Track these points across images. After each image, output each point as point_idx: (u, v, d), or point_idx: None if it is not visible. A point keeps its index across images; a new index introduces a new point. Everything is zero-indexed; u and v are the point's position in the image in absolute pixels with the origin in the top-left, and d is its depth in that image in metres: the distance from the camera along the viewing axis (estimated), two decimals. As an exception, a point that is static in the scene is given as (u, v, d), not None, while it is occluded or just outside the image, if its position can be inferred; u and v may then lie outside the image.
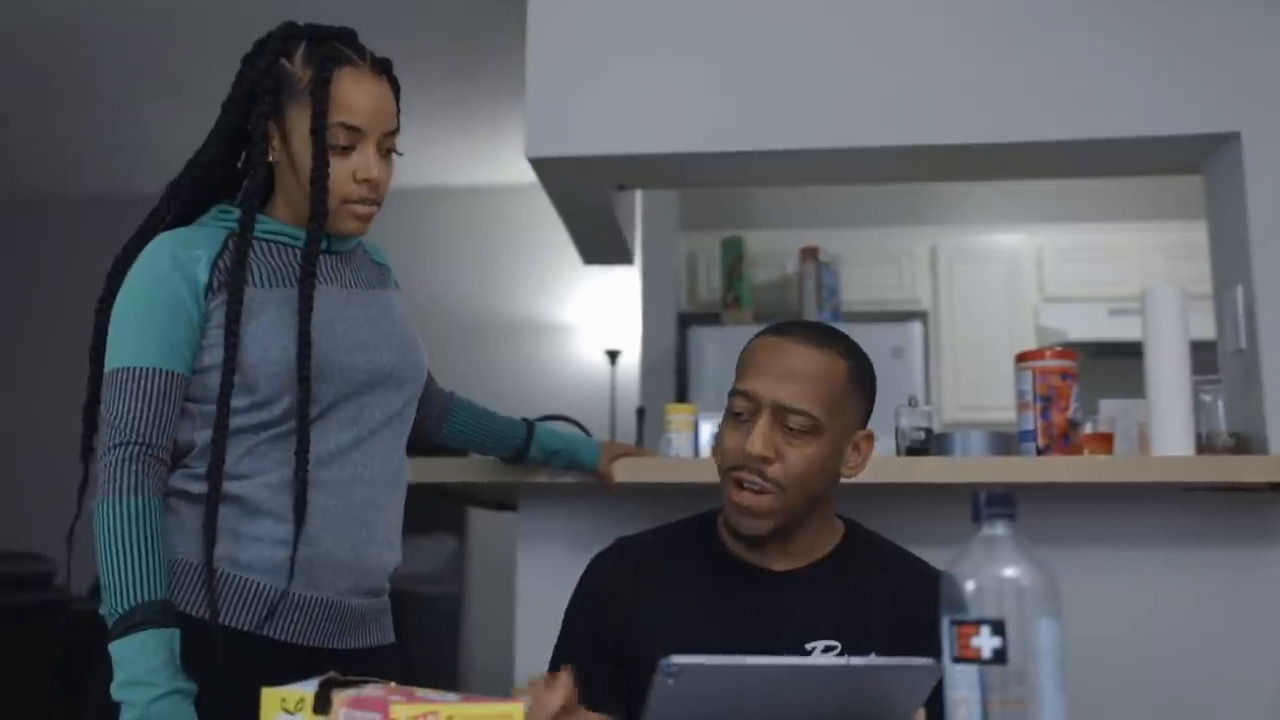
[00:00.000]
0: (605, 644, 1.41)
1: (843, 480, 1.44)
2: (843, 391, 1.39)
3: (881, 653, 1.34)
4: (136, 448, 1.38)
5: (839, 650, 1.36)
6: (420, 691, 0.92)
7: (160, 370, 1.41)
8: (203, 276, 1.43)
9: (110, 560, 1.35)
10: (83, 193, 6.17)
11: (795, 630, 1.37)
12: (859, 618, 1.39)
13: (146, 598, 1.34)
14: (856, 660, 1.00)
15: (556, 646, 1.47)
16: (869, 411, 1.45)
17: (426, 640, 4.63)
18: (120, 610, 1.33)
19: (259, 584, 1.42)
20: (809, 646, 1.36)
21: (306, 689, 0.93)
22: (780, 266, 4.94)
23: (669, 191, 4.51)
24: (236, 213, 1.49)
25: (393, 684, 0.95)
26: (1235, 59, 2.35)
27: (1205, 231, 2.50)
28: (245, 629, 1.41)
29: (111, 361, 1.42)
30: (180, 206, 1.53)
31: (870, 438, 1.45)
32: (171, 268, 1.43)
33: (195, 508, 1.43)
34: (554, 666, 1.41)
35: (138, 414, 1.39)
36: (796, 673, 0.92)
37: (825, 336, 1.41)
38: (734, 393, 1.39)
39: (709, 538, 1.47)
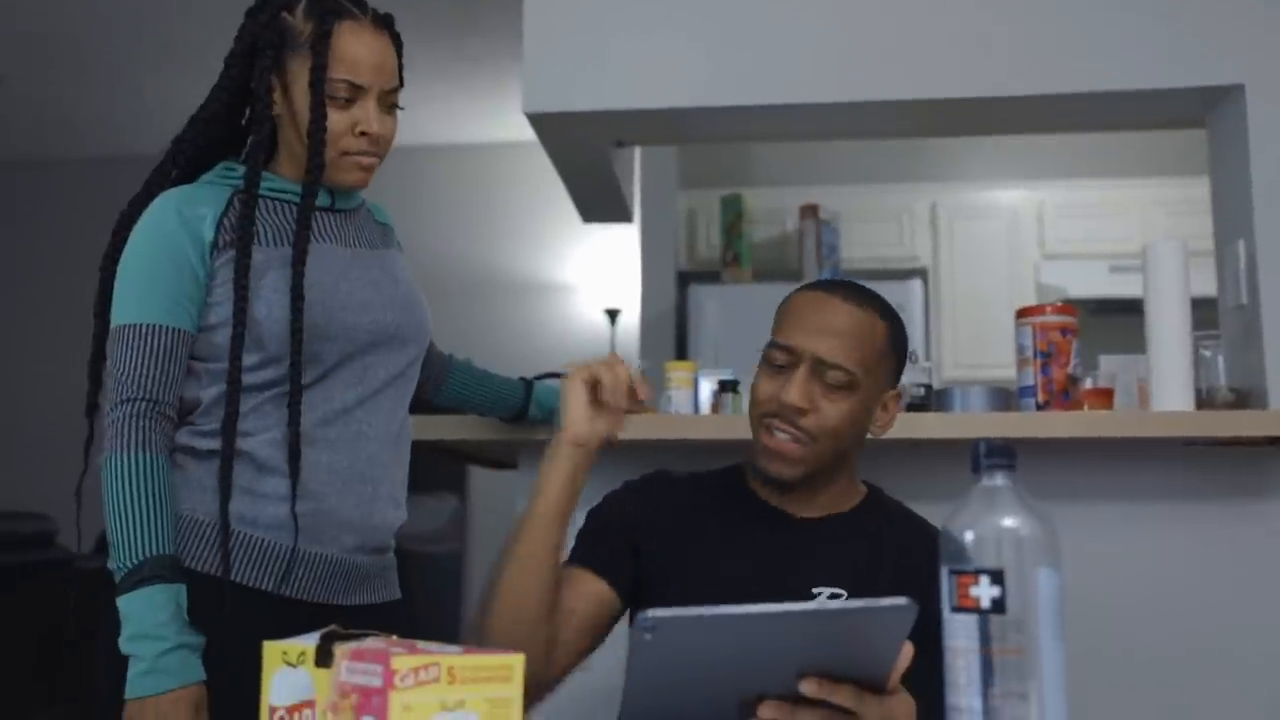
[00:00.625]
0: (625, 532, 1.44)
1: (872, 435, 1.47)
2: (879, 351, 1.41)
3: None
4: (144, 404, 1.39)
5: (844, 597, 1.38)
6: (421, 644, 0.92)
7: (166, 327, 1.41)
8: (208, 234, 1.43)
9: (118, 515, 1.35)
10: (81, 154, 6.14)
11: (807, 574, 1.40)
12: (871, 570, 1.41)
13: (154, 552, 1.34)
14: (831, 604, 1.00)
15: (579, 533, 1.47)
16: (900, 373, 1.47)
17: (429, 597, 4.67)
18: (128, 565, 1.34)
19: (269, 541, 1.43)
20: (816, 591, 1.38)
21: (308, 642, 0.93)
22: (780, 224, 4.93)
23: (668, 149, 4.49)
24: (241, 170, 1.49)
25: (394, 637, 0.96)
26: (1238, 11, 2.33)
27: (1207, 187, 2.48)
28: (258, 587, 1.42)
29: (117, 318, 1.43)
30: (184, 163, 1.52)
31: (898, 397, 1.47)
32: (177, 225, 1.43)
33: (202, 464, 1.43)
34: (578, 537, 1.45)
35: (144, 370, 1.40)
36: (775, 620, 0.92)
37: (866, 296, 1.43)
38: (772, 344, 1.42)
39: (738, 483, 1.51)
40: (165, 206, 1.45)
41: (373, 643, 0.91)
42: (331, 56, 1.44)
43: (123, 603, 1.33)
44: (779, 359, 1.40)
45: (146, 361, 1.40)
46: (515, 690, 0.87)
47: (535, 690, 1.32)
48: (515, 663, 0.88)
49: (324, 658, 0.90)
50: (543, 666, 1.31)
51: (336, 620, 1.13)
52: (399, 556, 1.63)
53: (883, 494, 1.54)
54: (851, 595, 1.38)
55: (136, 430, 1.38)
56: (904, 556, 1.43)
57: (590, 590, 1.40)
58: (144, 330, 1.40)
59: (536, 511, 1.30)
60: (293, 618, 1.31)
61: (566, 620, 1.36)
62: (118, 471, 1.36)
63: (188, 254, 1.42)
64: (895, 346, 1.44)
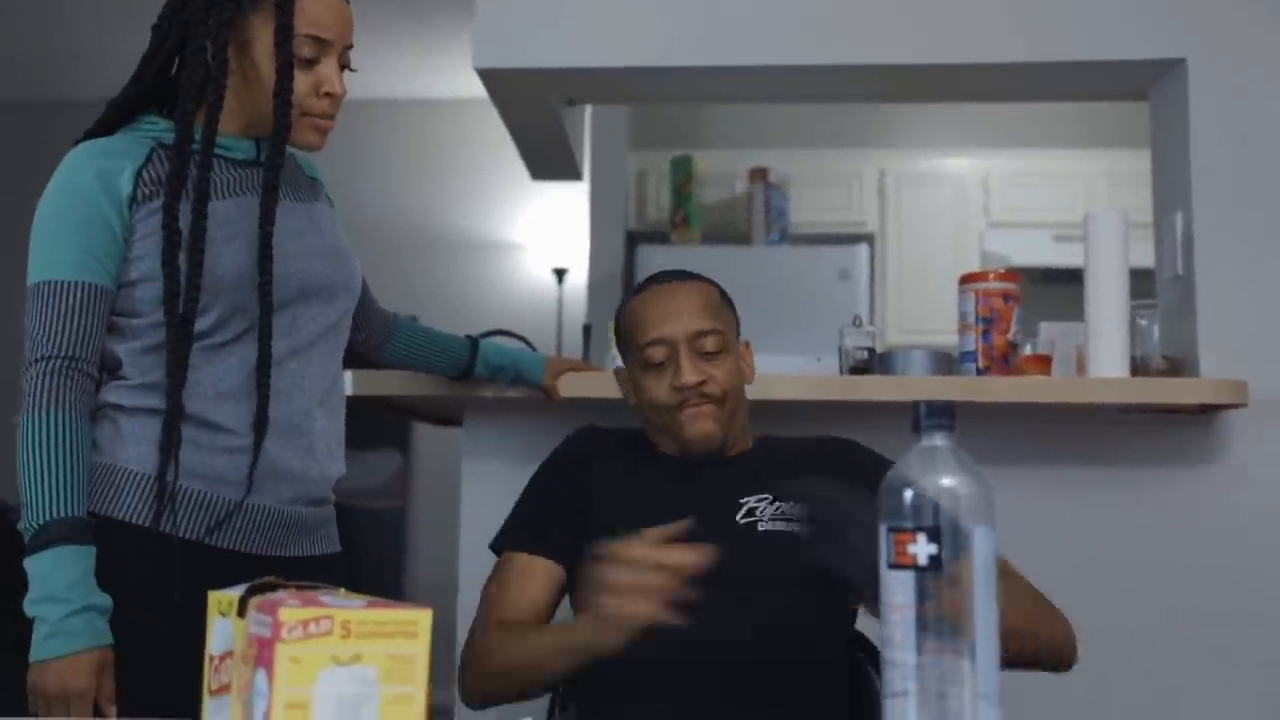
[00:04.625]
0: (569, 498, 1.55)
1: (747, 383, 1.61)
2: (721, 308, 1.60)
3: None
4: (59, 361, 1.36)
5: (770, 499, 1.52)
6: (326, 596, 0.91)
7: (82, 283, 1.38)
8: (126, 188, 1.40)
9: (30, 475, 1.33)
10: (14, 97, 5.97)
11: (730, 490, 1.54)
12: (787, 476, 1.49)
13: (63, 514, 1.33)
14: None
15: (518, 504, 1.60)
16: (738, 325, 1.65)
17: (372, 553, 4.66)
18: (36, 525, 1.32)
19: (206, 494, 1.42)
20: (742, 501, 1.52)
21: (236, 592, 0.93)
22: (729, 187, 4.93)
23: (619, 108, 4.46)
24: (163, 123, 1.45)
25: (317, 589, 0.95)
26: (1185, -15, 2.36)
27: (1149, 160, 2.52)
28: (192, 539, 1.41)
29: (32, 275, 1.39)
30: (108, 114, 1.48)
31: (749, 345, 1.65)
32: (93, 179, 1.39)
33: (134, 419, 1.41)
34: (515, 523, 1.57)
35: (59, 328, 1.37)
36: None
37: (686, 273, 1.61)
38: (646, 345, 1.54)
39: (644, 444, 1.64)
40: (79, 160, 1.41)
41: (280, 594, 0.90)
42: (297, 14, 1.41)
43: (29, 564, 1.32)
44: (657, 356, 1.53)
45: (62, 318, 1.37)
46: (419, 646, 0.85)
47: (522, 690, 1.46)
48: (420, 618, 0.86)
49: (244, 608, 0.90)
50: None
51: (278, 572, 1.13)
52: (342, 512, 1.63)
53: (771, 436, 1.67)
54: (776, 496, 1.52)
55: (51, 389, 1.35)
56: (813, 461, 1.56)
57: (549, 577, 1.52)
58: (59, 287, 1.37)
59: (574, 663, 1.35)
60: (235, 570, 1.30)
61: (539, 615, 1.49)
62: (31, 431, 1.34)
63: (103, 208, 1.39)
64: (728, 301, 1.63)
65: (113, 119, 1.48)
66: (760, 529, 1.50)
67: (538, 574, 1.51)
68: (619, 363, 2.28)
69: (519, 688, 1.44)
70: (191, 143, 1.42)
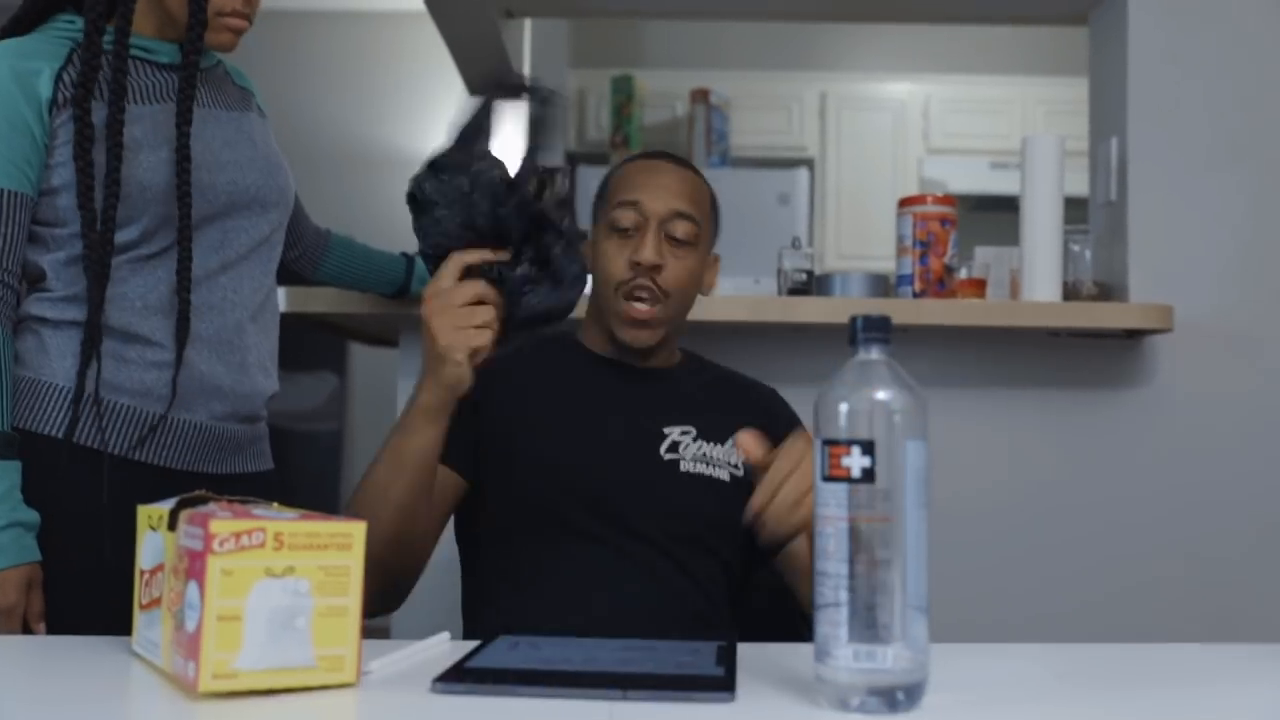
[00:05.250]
0: (467, 407, 1.35)
1: (702, 294, 1.55)
2: (709, 209, 1.51)
3: (732, 437, 1.35)
4: None
5: (694, 434, 1.46)
6: (259, 509, 0.91)
7: (2, 191, 1.33)
8: (45, 91, 1.35)
9: None
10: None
11: (653, 415, 1.46)
12: (711, 407, 1.50)
13: None
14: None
15: None
16: (716, 237, 1.56)
17: (309, 475, 4.63)
18: None
19: (133, 408, 1.39)
20: (666, 430, 1.45)
21: (166, 506, 0.92)
22: (670, 108, 4.89)
23: (559, 24, 4.38)
24: (80, 22, 1.39)
25: (249, 502, 0.94)
26: (1128, -92, 2.35)
27: (1087, 88, 2.53)
28: (118, 453, 1.38)
29: None
30: (21, 12, 1.42)
31: (717, 260, 1.57)
32: (10, 81, 1.34)
33: (58, 332, 1.38)
34: None
35: None
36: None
37: (689, 165, 1.53)
38: (619, 205, 1.45)
39: (573, 343, 1.55)
40: None
41: (210, 507, 0.89)
42: None
43: None
44: (625, 220, 1.44)
45: None
46: (354, 559, 0.86)
47: (397, 582, 1.33)
48: (354, 530, 0.86)
49: (174, 521, 0.89)
50: (404, 559, 1.31)
51: (209, 488, 1.11)
52: (278, 434, 1.61)
53: (696, 355, 1.62)
54: (699, 432, 1.46)
55: None
56: (741, 401, 1.53)
57: (441, 481, 1.36)
58: None
59: (415, 451, 1.24)
60: (167, 486, 1.29)
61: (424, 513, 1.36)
62: None
63: (22, 112, 1.34)
64: (716, 209, 1.55)
65: (28, 18, 1.42)
66: (682, 469, 1.43)
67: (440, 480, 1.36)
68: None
69: (389, 531, 1.24)
70: (103, 37, 1.37)
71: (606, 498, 1.39)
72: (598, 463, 1.41)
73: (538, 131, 1.15)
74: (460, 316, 1.16)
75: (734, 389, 1.58)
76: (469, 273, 1.16)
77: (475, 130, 1.15)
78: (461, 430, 1.37)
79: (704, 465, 1.45)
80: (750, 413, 1.45)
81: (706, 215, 1.50)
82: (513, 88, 1.13)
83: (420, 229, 1.16)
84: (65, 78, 1.36)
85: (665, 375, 1.53)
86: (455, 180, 1.13)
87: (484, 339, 1.17)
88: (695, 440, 1.46)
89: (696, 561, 1.41)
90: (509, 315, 1.17)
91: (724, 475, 1.45)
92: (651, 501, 1.40)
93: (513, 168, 1.16)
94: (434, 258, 1.17)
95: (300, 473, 4.52)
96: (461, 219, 1.14)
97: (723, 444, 1.46)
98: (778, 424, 1.41)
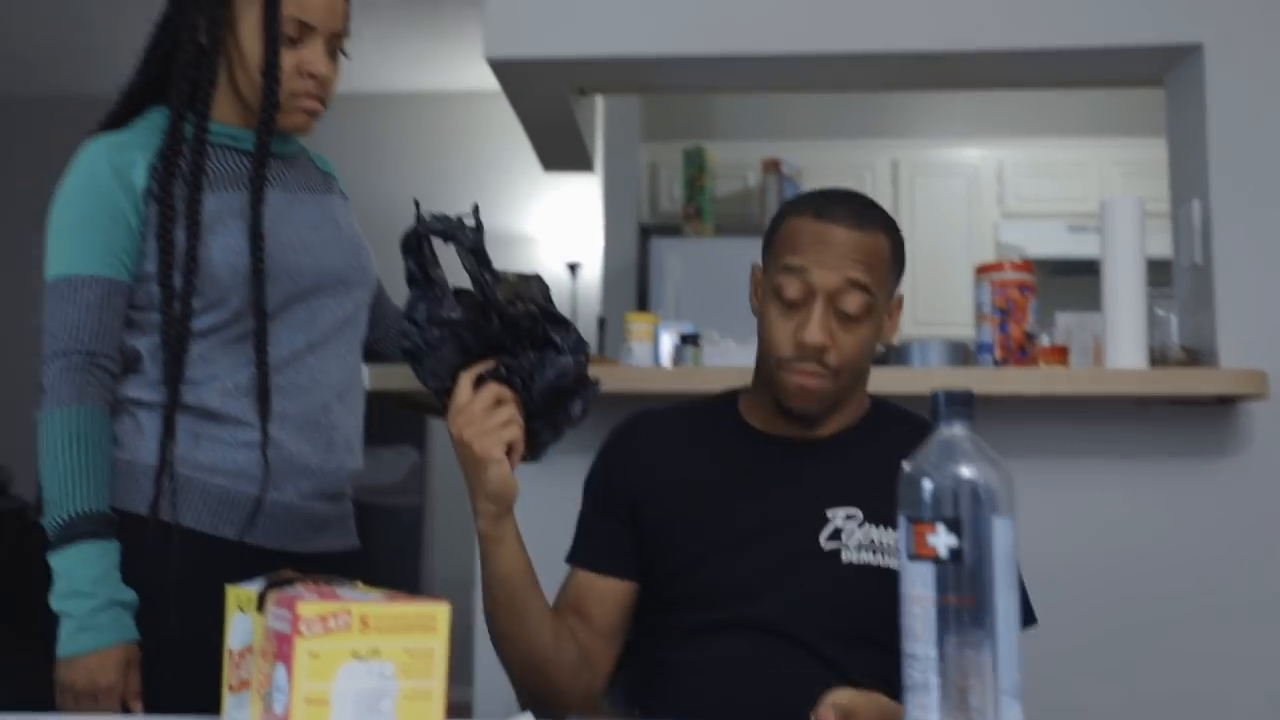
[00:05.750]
0: (615, 511, 1.41)
1: (882, 346, 1.46)
2: (888, 268, 1.38)
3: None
4: (79, 356, 1.37)
5: (860, 518, 1.34)
6: (344, 590, 0.91)
7: (99, 278, 1.38)
8: (140, 181, 1.40)
9: (52, 471, 1.34)
10: (27, 92, 5.99)
11: (815, 496, 1.36)
12: (880, 484, 1.32)
13: (86, 509, 1.33)
14: None
15: (581, 515, 1.46)
16: (900, 277, 1.43)
17: (390, 550, 4.66)
18: (60, 521, 1.32)
19: (230, 489, 1.42)
20: (829, 514, 1.35)
21: (254, 587, 0.93)
22: (742, 178, 4.92)
23: (631, 99, 4.46)
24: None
25: (331, 583, 0.95)
26: (1202, -30, 2.34)
27: (1165, 149, 2.50)
28: (220, 535, 1.41)
29: (50, 271, 1.40)
30: (117, 107, 1.49)
31: (900, 303, 1.43)
32: (108, 173, 1.40)
33: (151, 414, 1.42)
34: (577, 536, 1.44)
35: (78, 322, 1.37)
36: None
37: (866, 214, 1.37)
38: (784, 269, 1.34)
39: (731, 412, 1.46)
40: (94, 153, 1.42)
41: (298, 589, 0.90)
42: None
43: (54, 560, 1.32)
44: (790, 291, 1.33)
45: (79, 313, 1.37)
46: (438, 640, 0.86)
47: (587, 699, 1.34)
48: (438, 612, 0.86)
49: (262, 603, 0.90)
50: (582, 677, 1.33)
51: (296, 568, 1.12)
52: (358, 509, 1.63)
53: (888, 404, 1.49)
54: (866, 515, 1.34)
55: (70, 384, 1.36)
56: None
57: (600, 591, 1.38)
58: (76, 282, 1.38)
59: (499, 579, 1.27)
60: (256, 565, 1.31)
61: (586, 625, 1.36)
62: (52, 426, 1.35)
63: (119, 202, 1.39)
64: (899, 257, 1.40)
65: (124, 111, 1.48)
66: (844, 559, 1.32)
67: (585, 586, 1.38)
68: (634, 356, 2.29)
69: (511, 652, 1.31)
70: (187, 124, 1.42)
71: (755, 592, 1.32)
72: (751, 554, 1.34)
73: (479, 256, 1.20)
74: (486, 420, 1.19)
75: (906, 442, 1.44)
76: (480, 383, 1.21)
77: (426, 279, 1.21)
78: (619, 535, 1.39)
79: (870, 554, 1.33)
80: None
81: (883, 275, 1.36)
82: (439, 232, 1.19)
83: (423, 376, 1.22)
84: (158, 167, 1.41)
85: (834, 445, 1.40)
86: (435, 328, 1.20)
87: (514, 433, 1.20)
88: (862, 525, 1.34)
89: (855, 659, 1.30)
90: (528, 400, 1.21)
91: (894, 563, 1.28)
92: (806, 597, 1.31)
93: (476, 290, 1.21)
94: (446, 391, 1.22)
95: (382, 547, 4.55)
96: (456, 354, 1.20)
97: (893, 527, 1.30)
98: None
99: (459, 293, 1.21)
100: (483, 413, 1.18)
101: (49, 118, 5.75)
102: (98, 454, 1.35)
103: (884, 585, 1.29)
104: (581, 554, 1.42)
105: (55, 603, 1.32)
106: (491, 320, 1.19)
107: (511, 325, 1.20)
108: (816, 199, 1.38)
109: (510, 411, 1.19)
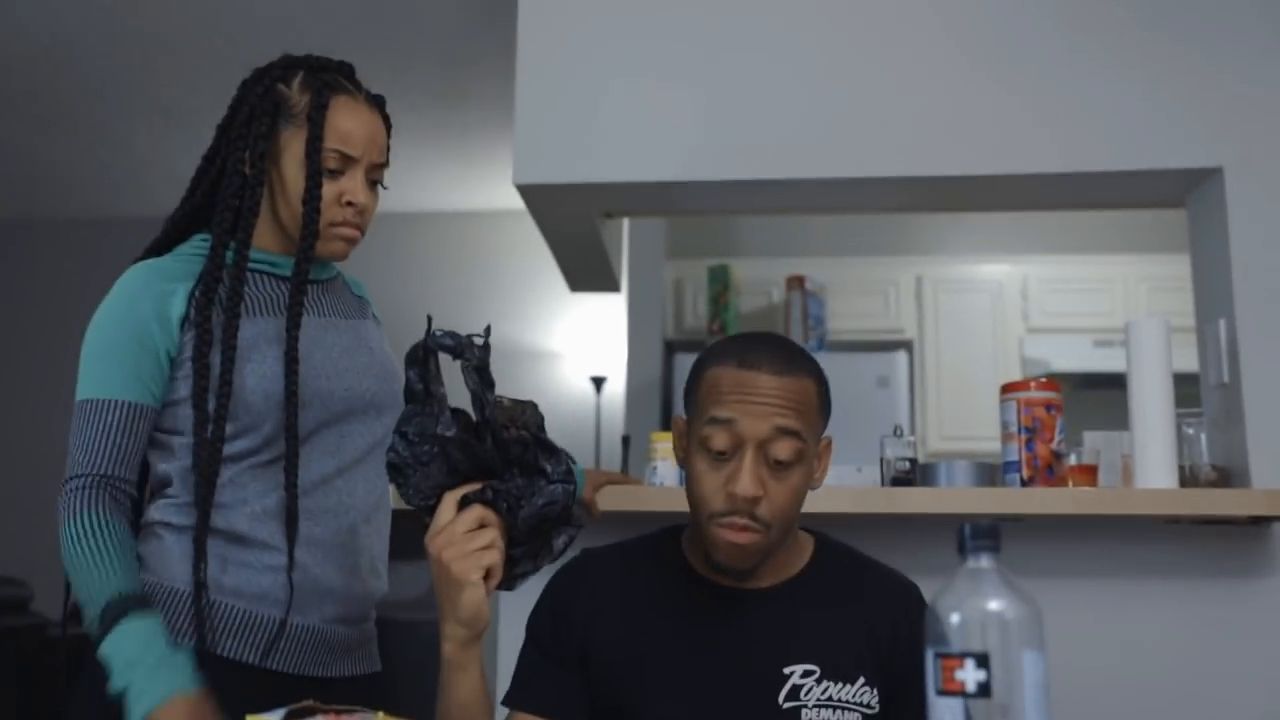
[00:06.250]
0: (561, 656, 1.39)
1: (812, 490, 1.38)
2: (816, 411, 1.34)
3: (862, 673, 1.33)
4: (93, 478, 1.38)
5: (818, 674, 1.32)
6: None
7: (123, 403, 1.40)
8: (178, 309, 1.43)
9: (79, 576, 1.34)
10: (69, 214, 6.16)
11: (771, 653, 1.34)
12: (836, 637, 1.36)
13: (120, 591, 1.32)
14: None
15: (520, 657, 1.43)
16: (827, 420, 1.40)
17: (410, 666, 4.59)
18: (97, 614, 1.31)
19: (253, 613, 1.41)
20: (786, 671, 1.32)
21: (274, 717, 0.92)
22: (766, 294, 4.96)
23: (656, 219, 4.52)
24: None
25: (355, 712, 0.94)
26: (1219, 96, 2.38)
27: (1189, 264, 2.51)
28: (241, 660, 1.40)
29: (79, 393, 1.42)
30: (162, 233, 1.53)
31: (829, 445, 1.40)
32: (144, 300, 1.43)
33: (180, 537, 1.42)
34: (517, 677, 1.40)
35: (97, 446, 1.38)
36: None
37: (791, 359, 1.34)
38: (710, 421, 1.30)
39: (674, 555, 1.43)
40: (134, 280, 1.45)
41: (318, 719, 0.89)
42: (327, 127, 1.46)
43: (102, 651, 1.31)
44: (718, 443, 1.29)
45: (100, 437, 1.39)
46: None
47: None
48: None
49: (284, 733, 0.89)
50: None
51: (317, 693, 1.11)
52: (380, 625, 1.62)
53: (830, 541, 1.46)
54: (824, 671, 1.33)
55: (85, 500, 1.36)
56: (870, 617, 1.37)
57: None
58: (100, 406, 1.39)
59: (458, 705, 1.23)
60: (277, 690, 1.29)
61: None
62: (72, 537, 1.35)
63: (152, 330, 1.42)
64: (826, 400, 1.37)
65: (168, 237, 1.52)
66: (804, 717, 1.30)
67: None
68: (659, 475, 2.28)
69: None
70: (227, 252, 1.45)
71: None
72: (708, 713, 1.31)
73: (483, 375, 1.19)
74: (466, 543, 1.15)
75: (864, 600, 1.39)
76: (465, 504, 1.18)
77: (425, 393, 1.19)
78: (567, 681, 1.36)
79: (830, 711, 1.31)
80: (879, 633, 1.35)
81: (812, 419, 1.32)
82: (448, 348, 1.18)
83: (406, 491, 1.19)
84: (196, 293, 1.44)
85: (784, 595, 1.38)
86: (426, 444, 1.18)
87: (493, 558, 1.16)
88: (820, 681, 1.32)
89: None
90: (513, 527, 1.19)
91: (854, 718, 1.32)
92: None
93: (472, 410, 1.20)
94: (429, 508, 1.20)
95: (402, 661, 4.49)
96: (444, 473, 1.18)
97: (852, 683, 1.32)
98: (906, 628, 1.32)
99: (455, 412, 1.20)
100: (464, 535, 1.15)
101: (88, 240, 5.90)
102: (121, 545, 1.35)
103: None
104: (525, 698, 1.37)
105: (117, 681, 1.29)
106: (485, 440, 1.18)
107: (503, 448, 1.18)
108: (738, 346, 1.34)
109: (492, 535, 1.16)
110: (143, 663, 1.29)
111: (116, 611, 1.31)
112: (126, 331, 1.41)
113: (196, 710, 1.30)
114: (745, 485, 1.27)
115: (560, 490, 1.20)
